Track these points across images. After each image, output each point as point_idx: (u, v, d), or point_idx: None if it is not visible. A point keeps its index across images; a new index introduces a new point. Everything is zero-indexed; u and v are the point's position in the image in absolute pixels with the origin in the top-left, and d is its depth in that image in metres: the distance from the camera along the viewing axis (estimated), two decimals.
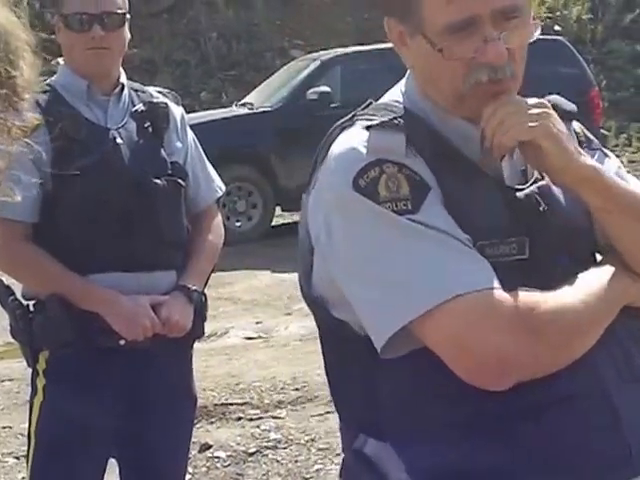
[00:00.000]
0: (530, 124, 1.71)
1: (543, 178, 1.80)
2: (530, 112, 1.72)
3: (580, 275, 1.73)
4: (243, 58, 18.11)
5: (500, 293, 1.64)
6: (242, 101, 13.00)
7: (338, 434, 1.95)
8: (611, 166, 1.89)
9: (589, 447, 1.71)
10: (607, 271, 1.76)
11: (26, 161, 2.81)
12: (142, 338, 2.94)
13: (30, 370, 3.09)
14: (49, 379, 3.00)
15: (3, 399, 6.22)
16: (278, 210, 12.28)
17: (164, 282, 3.05)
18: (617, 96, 17.81)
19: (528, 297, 1.65)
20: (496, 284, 1.64)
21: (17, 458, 5.17)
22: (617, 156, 2.00)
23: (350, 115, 1.82)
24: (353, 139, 1.74)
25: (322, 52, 13.41)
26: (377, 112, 1.79)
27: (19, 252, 2.96)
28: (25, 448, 3.15)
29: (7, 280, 3.06)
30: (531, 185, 1.79)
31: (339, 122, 1.82)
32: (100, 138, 3.00)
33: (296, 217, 13.12)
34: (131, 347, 2.95)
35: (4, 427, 5.68)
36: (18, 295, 3.04)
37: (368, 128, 1.73)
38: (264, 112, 12.01)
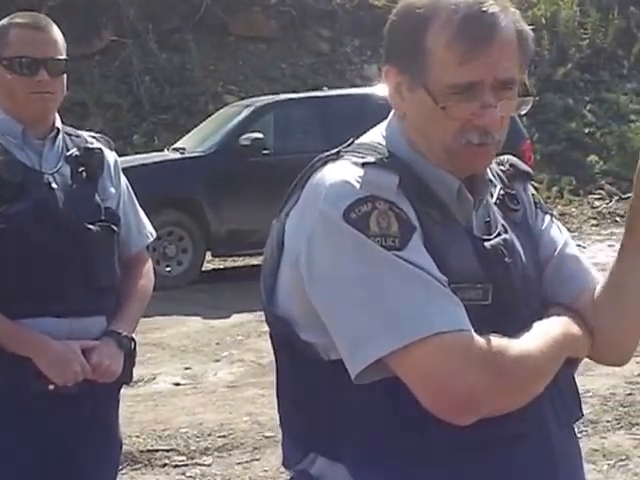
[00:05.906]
0: None
1: (507, 232, 1.91)
2: None
3: (535, 324, 1.83)
4: (176, 102, 18.07)
5: (475, 336, 1.72)
6: (174, 145, 12.99)
7: None
8: (557, 233, 2.00)
9: None
10: (558, 323, 1.86)
11: None
12: (72, 383, 2.92)
13: None
14: None
15: None
16: (208, 256, 12.25)
17: (95, 327, 3.03)
18: (549, 149, 18.06)
19: (498, 342, 1.74)
20: (470, 327, 1.72)
21: None
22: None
23: (335, 150, 1.87)
24: (346, 173, 1.78)
25: (255, 98, 13.51)
26: (364, 151, 1.85)
27: None
28: None
29: None
30: (496, 237, 1.89)
31: (322, 155, 1.87)
32: (35, 182, 2.98)
33: (227, 263, 13.11)
34: (60, 392, 2.92)
35: None
36: None
37: (363, 165, 1.78)
38: (196, 157, 12.01)
